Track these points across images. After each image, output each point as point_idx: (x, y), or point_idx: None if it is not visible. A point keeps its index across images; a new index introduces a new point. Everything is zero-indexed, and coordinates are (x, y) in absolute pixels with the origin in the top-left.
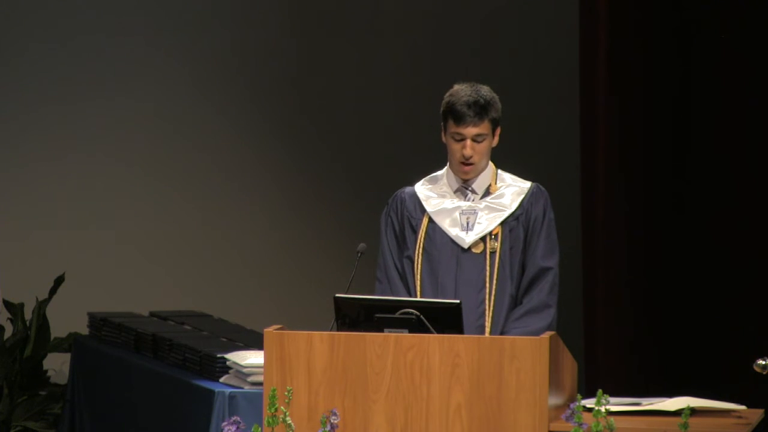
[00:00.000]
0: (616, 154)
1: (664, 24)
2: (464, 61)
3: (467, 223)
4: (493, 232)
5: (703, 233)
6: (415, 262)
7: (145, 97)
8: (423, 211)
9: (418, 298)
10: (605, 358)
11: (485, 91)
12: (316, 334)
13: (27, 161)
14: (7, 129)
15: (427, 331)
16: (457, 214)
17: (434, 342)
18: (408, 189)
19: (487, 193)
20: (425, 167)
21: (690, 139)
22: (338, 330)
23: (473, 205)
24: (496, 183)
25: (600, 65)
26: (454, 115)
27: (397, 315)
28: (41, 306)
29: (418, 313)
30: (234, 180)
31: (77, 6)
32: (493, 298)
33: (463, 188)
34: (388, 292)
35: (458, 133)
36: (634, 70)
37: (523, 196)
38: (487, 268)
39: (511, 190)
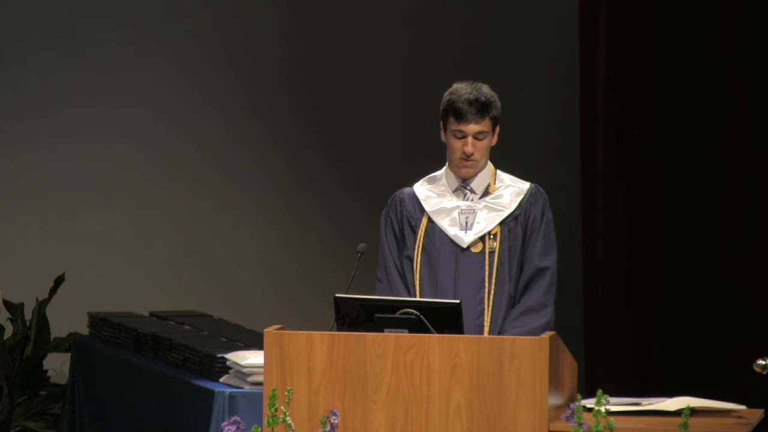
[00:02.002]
0: (615, 156)
1: (664, 25)
2: (463, 61)
3: (466, 223)
4: (492, 232)
5: (703, 233)
6: (414, 262)
7: (145, 100)
8: (422, 210)
9: (418, 298)
10: (605, 358)
11: (486, 89)
12: (316, 334)
13: (27, 162)
14: (8, 130)
15: (427, 331)
16: (456, 213)
17: (434, 342)
18: (407, 189)
19: (486, 193)
20: (424, 167)
21: (689, 140)
22: (338, 330)
23: (472, 204)
24: (495, 183)
25: (600, 67)
26: (456, 112)
27: (397, 315)
28: (41, 306)
29: (418, 313)
30: (233, 180)
31: (75, 11)
32: (492, 297)
33: (462, 188)
34: (388, 292)
35: (460, 131)
36: (634, 72)
37: (522, 197)
38: (486, 267)
39: (510, 191)
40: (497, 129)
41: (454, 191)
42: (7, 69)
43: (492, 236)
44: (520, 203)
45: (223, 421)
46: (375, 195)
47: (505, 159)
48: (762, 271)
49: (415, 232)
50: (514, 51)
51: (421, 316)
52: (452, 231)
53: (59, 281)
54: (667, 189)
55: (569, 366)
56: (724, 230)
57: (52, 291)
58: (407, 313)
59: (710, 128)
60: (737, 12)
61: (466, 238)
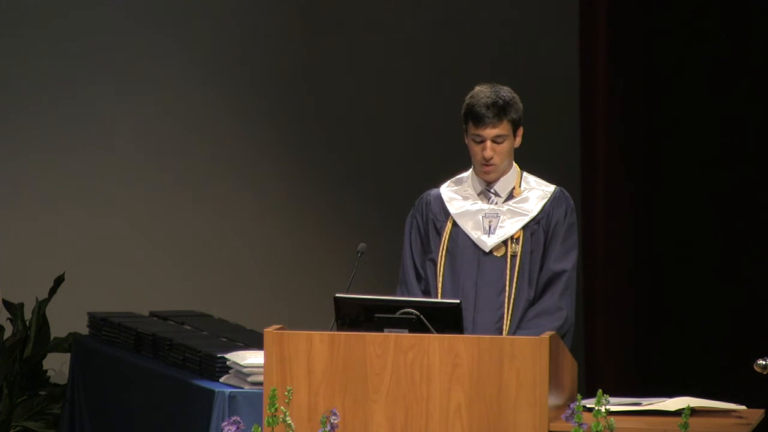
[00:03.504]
0: (616, 156)
1: (665, 24)
2: (465, 60)
3: (489, 227)
4: (515, 236)
5: (703, 233)
6: (438, 264)
7: (146, 98)
8: (447, 213)
9: (418, 298)
10: (605, 358)
11: (505, 92)
12: (316, 334)
13: (27, 161)
14: (7, 128)
15: (427, 331)
16: (479, 217)
17: (434, 342)
18: (433, 191)
19: (511, 196)
20: (429, 166)
21: (690, 140)
22: (338, 330)
23: (496, 208)
24: (520, 186)
25: (600, 66)
26: (474, 116)
27: (397, 315)
28: (41, 306)
29: (418, 313)
30: (235, 180)
31: (81, 10)
32: (512, 301)
33: (487, 191)
34: (406, 295)
35: (478, 135)
36: (635, 72)
37: (546, 201)
38: (508, 271)
39: (535, 194)
40: (520, 131)
41: (479, 194)
42: (5, 66)
43: (515, 240)
44: (543, 207)
45: (223, 421)
46: (377, 195)
47: None
48: (762, 271)
49: (440, 235)
50: (514, 51)
51: (421, 316)
52: (475, 234)
53: (59, 281)
54: (667, 189)
55: (569, 366)
56: (725, 230)
57: (52, 291)
58: (407, 313)
59: (711, 128)
60: (738, 10)
61: (488, 242)
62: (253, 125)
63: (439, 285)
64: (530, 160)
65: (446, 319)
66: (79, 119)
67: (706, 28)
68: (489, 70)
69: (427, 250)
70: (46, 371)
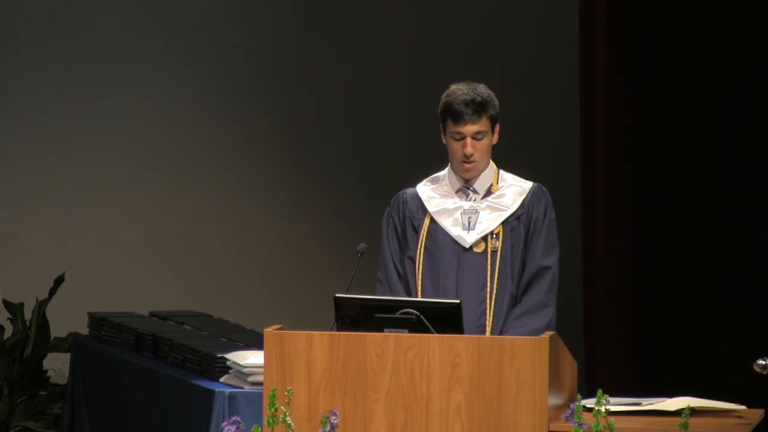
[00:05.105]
0: (616, 154)
1: (666, 23)
2: (466, 61)
3: (469, 223)
4: (494, 232)
5: (704, 233)
6: (417, 262)
7: (146, 97)
8: (425, 211)
9: (418, 298)
10: (605, 358)
11: (482, 88)
12: (316, 334)
13: (27, 161)
14: (7, 128)
15: (427, 331)
16: (458, 213)
17: (434, 342)
18: (410, 190)
19: (489, 192)
20: (428, 167)
21: (690, 140)
22: (338, 330)
23: (475, 204)
24: (497, 183)
25: (600, 66)
26: (453, 114)
27: (397, 315)
28: (41, 306)
29: (418, 313)
30: (235, 180)
31: (84, 3)
32: (494, 297)
33: (465, 188)
34: (388, 293)
35: (458, 132)
36: (635, 71)
37: (524, 196)
38: (489, 267)
39: (513, 190)
40: (497, 128)
41: (457, 192)
42: (5, 66)
43: (494, 236)
44: (523, 203)
45: (223, 421)
46: (377, 195)
47: (504, 159)
48: (763, 270)
49: (417, 233)
50: (515, 51)
51: (421, 316)
52: (455, 231)
53: (59, 281)
54: (667, 188)
55: (569, 366)
56: (725, 230)
57: (52, 291)
58: (407, 313)
59: (712, 128)
60: (738, 8)
61: (468, 238)
62: (252, 125)
63: (419, 282)
64: (531, 161)
65: (446, 319)
66: (78, 120)
67: (706, 27)
68: (489, 70)
69: (405, 249)
70: (46, 371)
